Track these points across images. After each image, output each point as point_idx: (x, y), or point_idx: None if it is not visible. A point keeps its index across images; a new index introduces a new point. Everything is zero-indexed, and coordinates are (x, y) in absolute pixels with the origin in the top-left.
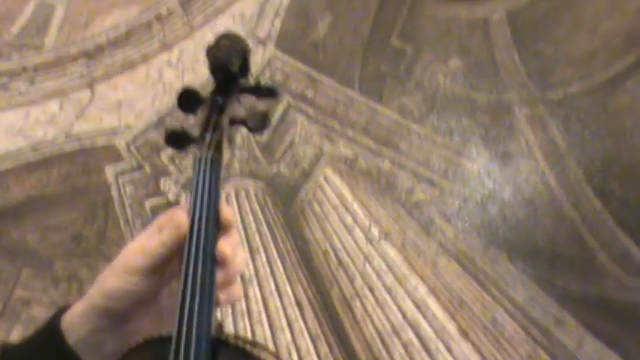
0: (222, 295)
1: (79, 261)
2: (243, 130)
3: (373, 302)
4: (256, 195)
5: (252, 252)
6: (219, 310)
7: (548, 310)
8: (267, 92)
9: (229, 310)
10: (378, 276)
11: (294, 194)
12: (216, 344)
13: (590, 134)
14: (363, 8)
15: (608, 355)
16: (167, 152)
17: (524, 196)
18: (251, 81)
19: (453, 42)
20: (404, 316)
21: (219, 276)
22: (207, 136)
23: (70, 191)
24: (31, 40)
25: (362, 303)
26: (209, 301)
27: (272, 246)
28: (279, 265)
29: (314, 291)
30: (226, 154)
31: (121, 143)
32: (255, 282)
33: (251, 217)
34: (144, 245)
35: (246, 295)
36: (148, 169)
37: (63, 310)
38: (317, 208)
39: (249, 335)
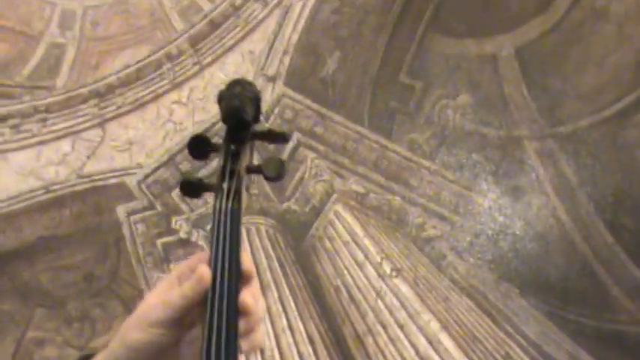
0: (244, 344)
1: (92, 301)
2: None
3: (386, 338)
4: (267, 232)
5: (263, 288)
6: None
7: (561, 345)
8: (279, 138)
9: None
10: (390, 312)
11: (305, 231)
12: None
13: (600, 168)
14: (372, 45)
15: None
16: (178, 191)
17: (536, 231)
18: (263, 126)
19: (463, 77)
20: (417, 352)
21: (242, 325)
22: (225, 186)
23: (82, 231)
24: (42, 81)
25: (374, 339)
26: (233, 353)
27: (283, 282)
28: (291, 301)
29: (326, 327)
30: (244, 202)
31: (132, 182)
32: (267, 318)
33: (262, 254)
34: (165, 298)
35: None
36: (159, 207)
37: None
38: (328, 244)
39: None
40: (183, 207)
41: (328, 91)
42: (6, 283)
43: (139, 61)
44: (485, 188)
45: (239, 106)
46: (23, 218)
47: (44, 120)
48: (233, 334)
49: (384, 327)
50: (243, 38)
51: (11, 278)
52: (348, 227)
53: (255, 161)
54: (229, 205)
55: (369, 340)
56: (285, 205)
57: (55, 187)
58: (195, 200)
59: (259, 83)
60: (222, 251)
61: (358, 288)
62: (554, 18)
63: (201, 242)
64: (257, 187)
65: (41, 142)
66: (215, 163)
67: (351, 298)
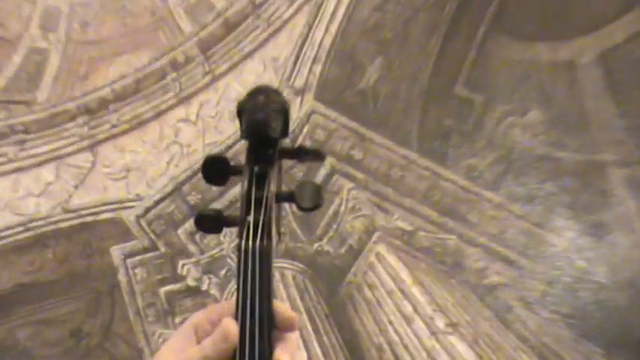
0: None
1: None
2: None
3: None
4: (294, 278)
5: None
6: None
7: None
8: (312, 156)
9: None
10: None
11: (341, 277)
12: None
13: None
14: (422, 50)
15: None
16: (185, 228)
17: (624, 277)
18: (290, 144)
19: (533, 90)
20: None
21: None
22: (251, 218)
23: (69, 277)
24: (20, 95)
25: None
26: None
27: (314, 340)
28: None
29: None
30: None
31: (129, 217)
32: None
33: (288, 306)
34: (181, 358)
35: None
36: (162, 248)
37: None
38: (368, 294)
39: None
40: (192, 248)
41: (368, 107)
42: None
43: (137, 70)
44: (560, 225)
45: (264, 120)
46: None
47: (22, 142)
48: None
49: None
50: (264, 42)
51: None
52: (392, 273)
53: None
54: (257, 243)
55: None
56: (316, 245)
57: (35, 223)
58: (205, 240)
59: (285, 97)
60: (250, 301)
61: (405, 347)
62: None
63: (213, 291)
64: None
65: (19, 169)
66: (231, 194)
67: (397, 359)
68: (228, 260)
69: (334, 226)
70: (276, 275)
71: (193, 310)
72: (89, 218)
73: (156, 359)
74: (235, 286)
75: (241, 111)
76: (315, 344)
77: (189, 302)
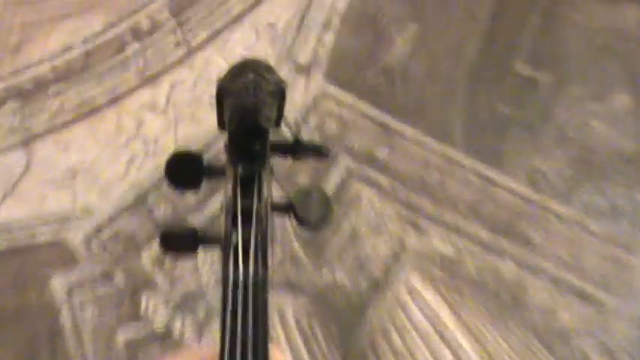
0: None
1: None
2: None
3: None
4: (296, 318)
5: None
6: None
7: None
8: (311, 152)
9: None
10: None
11: (359, 317)
12: None
13: None
14: (470, 13)
15: None
16: (151, 252)
17: None
18: (286, 134)
19: (616, 65)
20: None
21: None
22: (237, 237)
23: None
24: None
25: None
26: None
27: None
28: None
29: None
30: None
31: (75, 238)
32: None
33: (288, 357)
34: None
35: None
36: (120, 279)
37: None
38: (396, 339)
39: None
40: (160, 279)
41: (397, 89)
42: None
43: (87, 40)
44: None
45: (256, 106)
46: None
47: None
48: None
49: None
50: (257, 2)
51: None
52: (429, 312)
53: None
54: (249, 271)
55: None
56: (326, 275)
57: None
58: (178, 268)
59: (284, 75)
60: (240, 350)
61: None
62: None
63: (188, 335)
64: (280, 245)
65: None
66: (214, 205)
67: None
68: (209, 296)
69: (351, 249)
70: (274, 315)
71: None
72: (22, 239)
73: None
74: (219, 330)
75: (223, 93)
76: None
77: (156, 351)
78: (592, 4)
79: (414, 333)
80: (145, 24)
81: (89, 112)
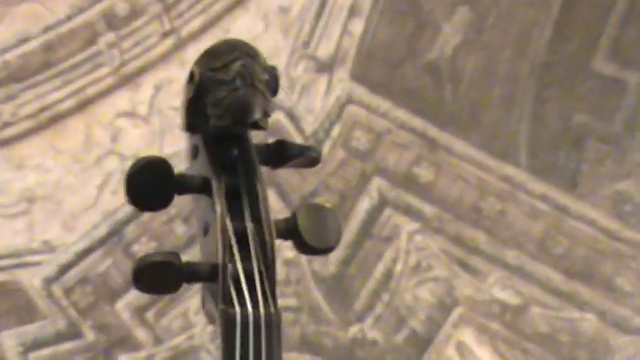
0: None
1: None
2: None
3: None
4: None
5: None
6: None
7: None
8: (296, 158)
9: None
10: None
11: None
12: None
13: None
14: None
15: None
16: (130, 300)
17: None
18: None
19: None
20: None
21: None
22: (239, 268)
23: None
24: None
25: None
26: None
27: None
28: None
29: None
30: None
31: (33, 281)
32: None
33: None
34: None
35: None
36: (90, 335)
37: None
38: None
39: None
40: (141, 334)
41: (444, 93)
42: None
43: (49, 28)
44: None
45: (254, 99)
46: None
47: None
48: None
49: None
50: None
51: None
52: None
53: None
54: (260, 310)
55: None
56: (353, 329)
57: None
58: (164, 319)
59: (299, 74)
60: None
61: None
62: None
63: None
64: (294, 291)
65: None
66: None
67: None
68: (203, 354)
69: (385, 297)
70: None
71: None
72: None
73: None
74: None
75: (203, 83)
76: None
77: None
78: None
79: None
80: (121, 8)
81: (51, 120)
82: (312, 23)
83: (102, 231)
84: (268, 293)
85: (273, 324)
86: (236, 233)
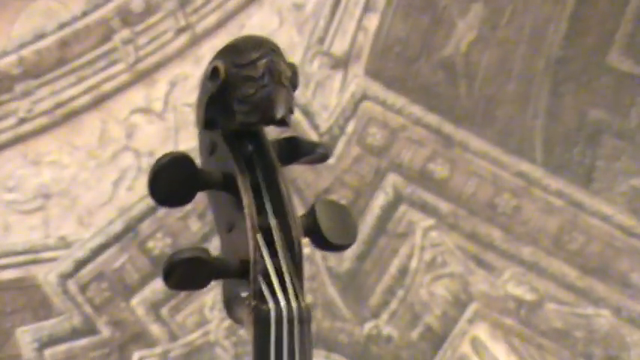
0: None
1: None
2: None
3: None
4: None
5: None
6: None
7: None
8: (305, 154)
9: None
10: None
11: None
12: None
13: None
14: None
15: None
16: (145, 295)
17: None
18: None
19: None
20: None
21: None
22: (268, 264)
23: None
24: None
25: None
26: None
27: None
28: None
29: None
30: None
31: (49, 278)
32: None
33: None
34: None
35: None
36: (105, 331)
37: None
38: None
39: None
40: (156, 330)
41: (459, 89)
42: None
43: (63, 25)
44: None
45: (278, 96)
46: None
47: None
48: None
49: None
50: None
51: None
52: None
53: None
54: (293, 306)
55: None
56: (368, 326)
57: None
58: (179, 315)
59: (314, 70)
60: None
61: None
62: None
63: None
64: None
65: None
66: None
67: None
68: (218, 350)
69: (400, 293)
70: None
71: None
72: None
73: None
74: None
75: (230, 79)
76: None
77: None
78: None
79: None
80: (137, 5)
81: (66, 116)
82: (326, 19)
83: (117, 227)
84: (298, 289)
85: (305, 319)
86: (261, 229)
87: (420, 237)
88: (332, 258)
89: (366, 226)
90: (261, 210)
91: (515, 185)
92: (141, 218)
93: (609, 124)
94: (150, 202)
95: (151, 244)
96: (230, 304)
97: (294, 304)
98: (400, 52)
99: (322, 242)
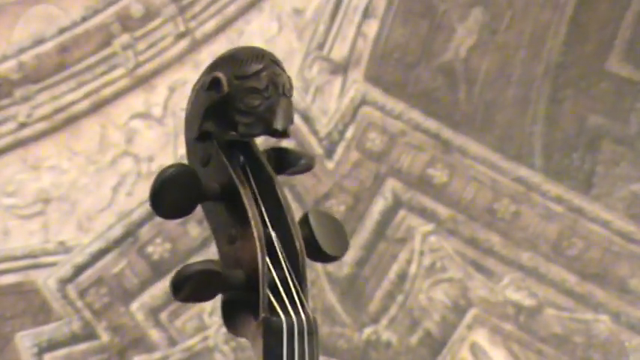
0: None
1: None
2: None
3: None
4: None
5: None
6: None
7: None
8: (293, 164)
9: None
10: None
11: None
12: None
13: None
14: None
15: None
16: (144, 301)
17: None
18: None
19: None
20: None
21: None
22: (273, 275)
23: None
24: None
25: None
26: None
27: None
28: None
29: None
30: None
31: (48, 283)
32: None
33: None
34: None
35: None
36: (104, 336)
37: None
38: None
39: None
40: (156, 335)
41: (458, 95)
42: None
43: (63, 30)
44: None
45: (282, 108)
46: None
47: None
48: None
49: None
50: None
51: None
52: None
53: None
54: (302, 317)
55: None
56: (367, 331)
57: None
58: (178, 320)
59: (314, 76)
60: None
61: None
62: None
63: None
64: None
65: None
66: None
67: None
68: (218, 356)
69: (399, 299)
70: None
71: None
72: None
73: None
74: None
75: (232, 89)
76: None
77: None
78: None
79: None
80: (136, 10)
81: (66, 121)
82: (326, 25)
83: (117, 232)
84: (304, 300)
85: (313, 329)
86: (268, 240)
87: (419, 242)
88: (331, 263)
89: (365, 231)
90: (285, 221)
91: (514, 191)
92: (140, 223)
93: (609, 130)
94: (149, 207)
95: (150, 249)
96: (231, 318)
97: (302, 315)
98: (399, 57)
99: (316, 253)
